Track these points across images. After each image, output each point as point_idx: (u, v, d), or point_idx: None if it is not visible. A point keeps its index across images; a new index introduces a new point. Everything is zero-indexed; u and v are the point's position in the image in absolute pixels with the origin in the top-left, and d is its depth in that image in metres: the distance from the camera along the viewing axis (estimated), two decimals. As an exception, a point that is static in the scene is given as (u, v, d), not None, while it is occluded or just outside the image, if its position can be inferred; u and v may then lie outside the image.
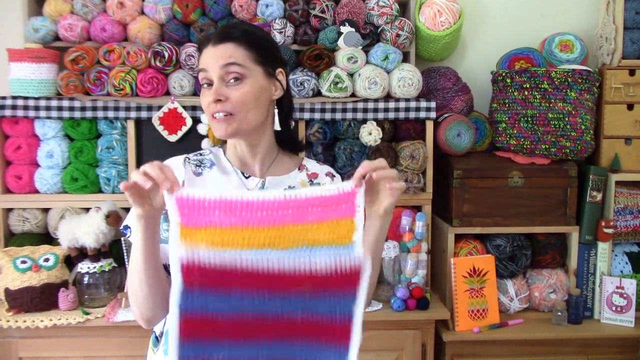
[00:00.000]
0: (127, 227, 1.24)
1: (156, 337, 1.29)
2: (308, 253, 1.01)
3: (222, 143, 1.27)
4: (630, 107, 2.28)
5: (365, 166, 1.01)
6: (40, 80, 2.12)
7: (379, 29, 2.28)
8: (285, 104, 1.31)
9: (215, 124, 1.19)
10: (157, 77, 2.14)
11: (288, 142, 1.36)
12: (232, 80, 1.17)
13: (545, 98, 2.21)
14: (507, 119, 2.27)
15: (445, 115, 2.29)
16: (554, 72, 2.20)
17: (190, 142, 2.13)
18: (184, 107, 2.16)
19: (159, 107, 2.15)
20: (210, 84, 1.19)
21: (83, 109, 2.13)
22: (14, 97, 2.12)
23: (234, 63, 1.17)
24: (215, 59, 1.17)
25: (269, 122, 1.26)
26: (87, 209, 2.13)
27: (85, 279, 2.04)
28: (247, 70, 1.18)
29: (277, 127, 1.27)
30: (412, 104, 2.20)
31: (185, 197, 1.00)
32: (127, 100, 2.14)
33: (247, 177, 1.28)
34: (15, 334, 1.94)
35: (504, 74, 2.28)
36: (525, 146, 2.24)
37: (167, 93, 2.19)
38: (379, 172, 1.02)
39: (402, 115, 2.21)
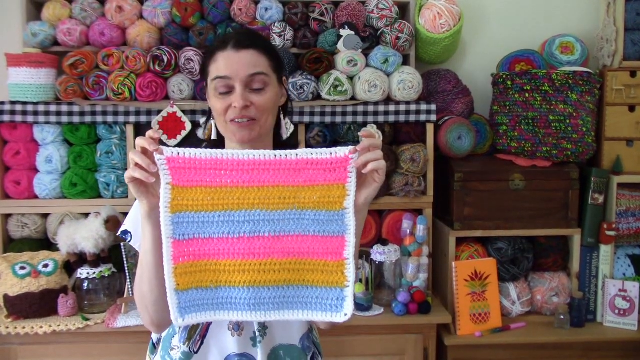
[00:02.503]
0: (126, 232, 1.23)
1: (153, 344, 1.29)
2: (297, 216, 1.01)
3: (215, 143, 1.25)
4: (631, 108, 2.27)
5: (364, 146, 1.01)
6: (39, 85, 2.12)
7: (379, 32, 2.28)
8: (285, 109, 1.32)
9: (236, 129, 1.16)
10: (156, 82, 2.14)
11: (281, 145, 1.36)
12: (256, 88, 1.16)
13: (546, 100, 2.20)
14: (508, 121, 2.26)
15: (446, 118, 2.28)
16: (554, 74, 2.19)
17: (190, 147, 2.11)
18: (184, 112, 2.15)
19: (158, 112, 2.14)
20: (228, 92, 1.15)
21: (82, 113, 2.13)
22: (13, 102, 2.12)
23: (261, 73, 1.16)
24: (241, 66, 1.14)
25: (273, 126, 1.27)
26: (87, 214, 2.12)
27: (85, 284, 2.03)
28: (269, 78, 1.18)
29: (285, 133, 1.29)
30: (413, 107, 2.19)
31: (176, 156, 1.00)
32: (126, 105, 2.13)
33: None
34: (14, 340, 1.93)
35: (504, 77, 2.27)
36: (526, 149, 2.23)
37: (167, 97, 2.18)
38: (373, 164, 1.01)
39: (402, 118, 2.20)
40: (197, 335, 1.18)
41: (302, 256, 1.02)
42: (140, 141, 1.00)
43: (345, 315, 1.01)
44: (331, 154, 1.00)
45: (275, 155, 1.01)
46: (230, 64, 1.15)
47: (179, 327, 1.19)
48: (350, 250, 1.01)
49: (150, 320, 1.12)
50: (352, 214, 1.01)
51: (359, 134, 1.03)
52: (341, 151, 1.00)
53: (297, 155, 1.01)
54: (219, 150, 1.01)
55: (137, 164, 0.99)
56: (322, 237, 1.02)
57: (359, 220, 1.04)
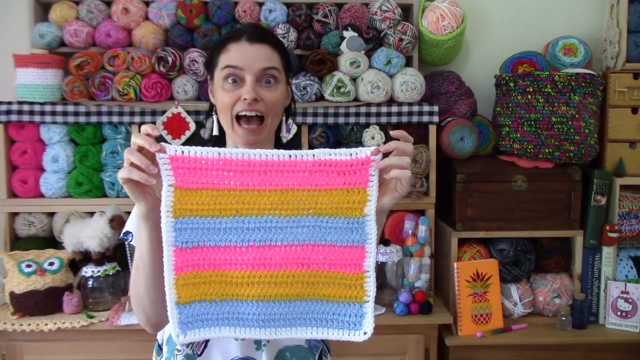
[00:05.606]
0: (128, 232, 1.20)
1: (159, 346, 1.27)
2: (313, 223, 0.93)
3: (217, 139, 1.23)
4: (634, 110, 2.27)
5: (388, 148, 0.93)
6: (46, 86, 2.14)
7: (382, 34, 2.29)
8: (289, 111, 1.29)
9: (243, 132, 1.12)
10: (161, 82, 2.16)
11: (284, 147, 1.34)
12: (266, 82, 1.13)
13: (549, 102, 2.20)
14: (510, 122, 2.27)
15: (448, 119, 2.29)
16: (557, 76, 2.19)
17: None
18: (188, 112, 2.17)
19: (163, 112, 2.16)
20: (236, 83, 1.12)
21: (88, 114, 2.15)
22: (20, 102, 2.15)
23: (274, 67, 1.13)
24: (254, 58, 1.12)
25: (276, 128, 1.24)
26: (92, 213, 2.15)
27: (90, 282, 2.05)
28: (280, 75, 1.16)
29: (284, 134, 1.25)
30: (415, 108, 2.20)
31: (180, 155, 0.91)
32: (131, 105, 2.15)
33: None
34: (20, 337, 1.96)
35: (507, 78, 2.27)
36: (528, 150, 2.23)
37: (171, 98, 2.21)
38: (396, 172, 0.93)
39: (405, 119, 2.20)
40: None
41: (317, 268, 0.94)
42: (137, 139, 0.92)
43: (365, 334, 0.94)
44: (351, 154, 0.92)
45: (290, 156, 0.92)
46: (244, 55, 1.12)
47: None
48: (370, 262, 0.93)
49: (147, 320, 1.08)
50: (373, 222, 0.93)
51: (390, 133, 0.94)
52: (362, 152, 0.92)
53: (314, 155, 0.92)
54: (227, 149, 0.92)
55: (133, 164, 0.91)
56: (340, 246, 0.93)
57: (377, 227, 0.96)
